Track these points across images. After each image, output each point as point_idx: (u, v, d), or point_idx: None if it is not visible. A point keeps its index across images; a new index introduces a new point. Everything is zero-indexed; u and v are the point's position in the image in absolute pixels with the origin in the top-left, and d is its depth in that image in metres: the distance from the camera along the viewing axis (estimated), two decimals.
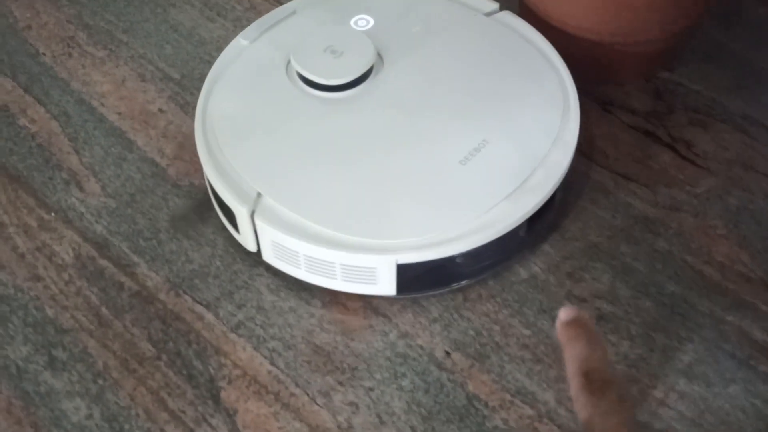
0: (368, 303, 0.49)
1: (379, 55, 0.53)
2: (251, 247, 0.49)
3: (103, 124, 0.58)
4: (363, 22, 0.55)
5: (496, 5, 0.57)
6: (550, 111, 0.51)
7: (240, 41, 0.56)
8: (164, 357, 0.47)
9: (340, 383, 0.46)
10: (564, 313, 0.35)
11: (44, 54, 0.63)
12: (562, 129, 0.50)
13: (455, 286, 0.49)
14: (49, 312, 0.49)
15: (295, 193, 0.47)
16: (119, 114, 0.59)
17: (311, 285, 0.49)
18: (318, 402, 0.45)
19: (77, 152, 0.56)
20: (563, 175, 0.49)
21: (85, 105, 0.59)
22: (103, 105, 0.59)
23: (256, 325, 0.48)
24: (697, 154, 0.56)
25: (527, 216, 0.47)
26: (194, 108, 0.58)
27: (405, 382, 0.46)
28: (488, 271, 0.49)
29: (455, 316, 0.48)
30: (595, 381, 0.33)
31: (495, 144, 0.49)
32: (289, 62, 0.53)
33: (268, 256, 0.49)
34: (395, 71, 0.53)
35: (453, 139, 0.49)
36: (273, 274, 0.50)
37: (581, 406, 0.33)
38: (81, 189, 0.54)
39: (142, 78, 0.61)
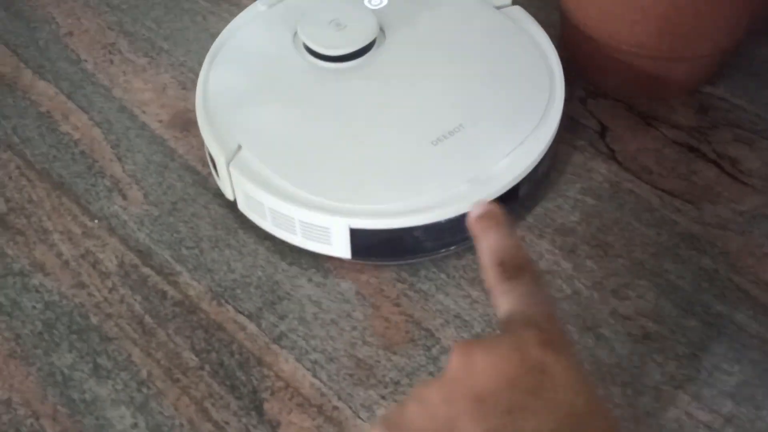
0: (410, 317, 0.49)
1: (383, 32, 0.56)
2: (229, 196, 0.53)
3: (145, 132, 0.58)
4: (377, 0, 0.58)
5: (509, 0, 0.59)
6: (533, 103, 0.53)
7: (258, 6, 0.60)
8: (207, 367, 0.47)
9: (383, 397, 0.46)
10: (475, 208, 0.34)
11: (86, 60, 0.63)
12: (540, 123, 0.52)
13: (412, 260, 0.51)
14: (94, 320, 0.49)
15: (270, 148, 0.51)
16: (160, 122, 0.59)
17: (353, 298, 0.49)
18: (361, 416, 0.45)
19: (120, 159, 0.57)
20: (528, 168, 0.50)
21: (126, 112, 0.60)
22: (144, 113, 0.60)
23: (298, 336, 0.48)
24: (741, 171, 0.55)
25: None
26: None
27: None
28: (448, 248, 0.51)
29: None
30: (510, 268, 0.32)
31: (470, 129, 0.51)
32: (295, 32, 0.56)
33: (242, 207, 0.52)
34: (393, 50, 0.56)
35: (430, 119, 0.52)
36: (315, 285, 0.50)
37: (500, 294, 0.31)
38: (124, 197, 0.55)
39: (182, 86, 0.61)
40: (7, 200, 0.55)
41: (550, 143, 0.52)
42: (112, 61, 0.63)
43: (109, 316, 0.49)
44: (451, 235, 0.50)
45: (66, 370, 0.47)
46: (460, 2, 0.60)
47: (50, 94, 0.61)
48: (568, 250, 0.52)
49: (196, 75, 0.62)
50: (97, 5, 0.67)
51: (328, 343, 0.48)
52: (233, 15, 0.66)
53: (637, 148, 0.57)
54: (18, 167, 0.57)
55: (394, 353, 0.47)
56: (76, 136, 0.58)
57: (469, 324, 0.48)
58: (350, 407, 0.45)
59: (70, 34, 0.65)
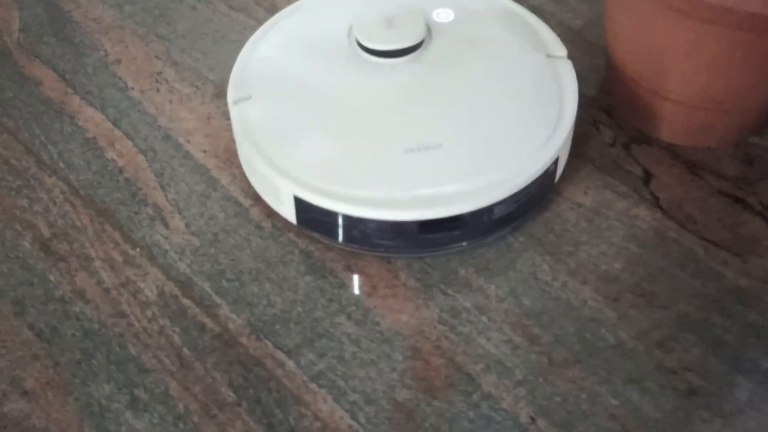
0: (450, 360, 0.48)
1: (430, 37, 0.58)
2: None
3: (188, 161, 0.59)
4: (444, 15, 0.59)
5: (564, 53, 0.58)
6: (537, 135, 0.53)
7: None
8: (244, 404, 0.46)
9: None
10: None
11: (133, 88, 0.64)
12: (533, 157, 0.52)
13: (348, 246, 0.53)
14: (132, 350, 0.49)
15: (271, 105, 0.55)
16: (204, 152, 0.59)
17: (392, 338, 0.49)
18: None
19: (163, 188, 0.57)
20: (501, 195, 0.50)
21: (171, 141, 0.60)
22: (188, 142, 0.60)
23: (337, 375, 0.48)
24: None
25: (417, 218, 0.50)
26: None
27: None
28: (380, 250, 0.52)
29: (540, 380, 0.47)
30: None
31: (449, 148, 0.52)
32: (350, 27, 0.58)
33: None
34: (430, 60, 0.56)
35: (415, 129, 0.53)
36: (354, 324, 0.50)
37: None
38: (166, 226, 0.55)
39: (226, 116, 0.62)
40: (51, 225, 0.55)
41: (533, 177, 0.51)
42: (158, 90, 0.64)
43: (147, 347, 0.49)
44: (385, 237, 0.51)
45: (104, 401, 0.47)
46: (514, 41, 0.59)
47: (97, 120, 0.62)
48: (612, 298, 0.51)
49: None
50: (145, 34, 0.68)
51: (367, 384, 0.47)
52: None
53: (682, 196, 0.56)
54: (63, 192, 0.57)
55: (434, 398, 0.47)
56: (121, 162, 0.59)
57: (511, 371, 0.48)
58: None
59: (118, 61, 0.66)
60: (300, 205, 0.51)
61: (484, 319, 0.50)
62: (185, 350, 0.49)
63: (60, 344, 0.49)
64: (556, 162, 0.53)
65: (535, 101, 0.55)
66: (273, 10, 0.70)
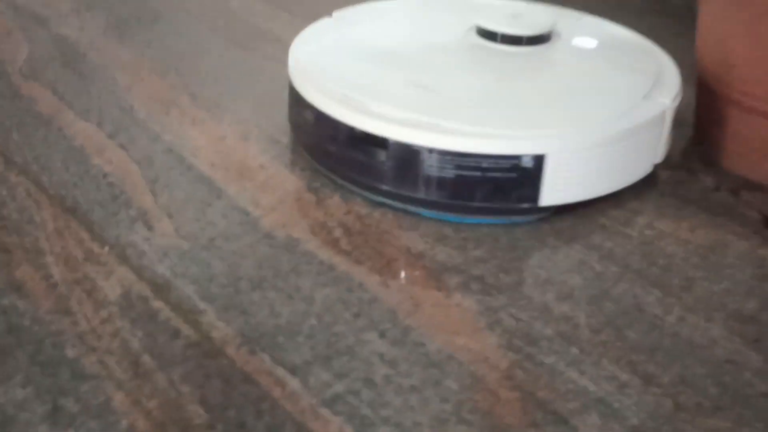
0: (530, 394, 0.33)
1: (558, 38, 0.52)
2: None
3: (191, 172, 0.47)
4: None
5: (666, 104, 0.46)
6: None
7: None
8: (219, 426, 0.31)
9: None
10: None
11: (139, 110, 0.55)
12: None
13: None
14: (69, 352, 0.34)
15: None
16: (212, 165, 0.48)
17: (444, 362, 0.34)
18: None
19: (153, 194, 0.45)
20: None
21: (173, 154, 0.49)
22: (194, 156, 0.49)
23: (361, 402, 0.32)
24: None
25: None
26: (298, 172, 0.48)
27: None
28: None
29: (666, 428, 0.31)
30: None
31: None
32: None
33: None
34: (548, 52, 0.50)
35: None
36: (389, 343, 0.35)
37: None
38: (149, 228, 0.42)
39: (244, 138, 0.51)
40: (2, 218, 0.43)
41: None
42: (168, 113, 0.54)
43: (92, 350, 0.34)
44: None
45: (10, 409, 0.31)
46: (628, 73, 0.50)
47: (89, 132, 0.52)
48: (751, 339, 0.36)
49: (261, 129, 0.53)
50: (165, 71, 0.60)
51: (406, 415, 0.31)
52: None
53: None
54: (27, 190, 0.45)
55: None
56: (108, 168, 0.48)
57: (620, 413, 0.32)
58: None
59: (129, 88, 0.57)
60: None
61: (573, 350, 0.35)
62: (145, 357, 0.34)
63: None
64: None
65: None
66: None
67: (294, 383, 0.33)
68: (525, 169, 0.42)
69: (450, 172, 0.42)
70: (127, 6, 0.74)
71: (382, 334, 0.36)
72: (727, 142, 0.49)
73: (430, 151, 0.41)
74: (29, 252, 0.40)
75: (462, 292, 0.38)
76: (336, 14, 0.56)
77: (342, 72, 0.48)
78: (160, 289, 0.38)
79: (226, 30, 0.69)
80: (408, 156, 0.42)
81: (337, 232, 0.43)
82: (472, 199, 0.43)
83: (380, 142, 0.42)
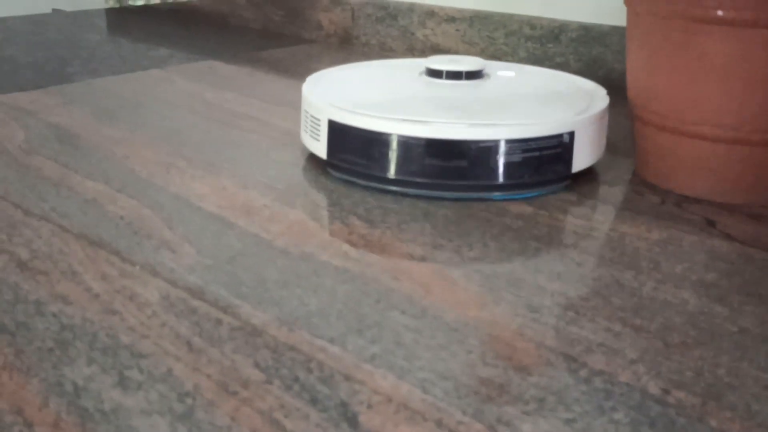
0: (540, 344, 0.37)
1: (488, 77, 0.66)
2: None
3: (201, 212, 0.52)
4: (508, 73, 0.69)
5: (571, 116, 0.57)
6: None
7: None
8: (276, 381, 0.34)
9: (526, 413, 0.32)
10: None
11: (141, 171, 0.59)
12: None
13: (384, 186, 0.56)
14: (124, 339, 0.37)
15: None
16: (219, 206, 0.53)
17: (462, 327, 0.39)
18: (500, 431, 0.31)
19: (170, 228, 0.49)
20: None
21: (181, 200, 0.54)
22: (201, 200, 0.54)
23: (396, 357, 0.36)
24: None
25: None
26: (299, 207, 0.54)
27: (618, 416, 0.32)
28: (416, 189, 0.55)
29: (660, 358, 0.36)
30: None
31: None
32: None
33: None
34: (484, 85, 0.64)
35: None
36: (411, 317, 0.39)
37: None
38: (173, 251, 0.46)
39: (243, 186, 0.56)
40: (32, 251, 0.46)
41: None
42: (168, 171, 0.59)
43: (145, 336, 0.37)
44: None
45: (80, 381, 0.34)
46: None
47: (98, 188, 0.56)
48: (716, 298, 0.42)
49: (258, 179, 0.58)
50: (157, 144, 0.65)
51: (438, 364, 0.36)
52: (296, 147, 0.65)
53: (755, 233, 0.50)
54: (51, 230, 0.49)
55: (530, 374, 0.35)
56: (122, 213, 0.52)
57: (620, 351, 0.37)
58: (482, 423, 0.32)
59: (126, 157, 0.62)
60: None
61: (570, 313, 0.40)
62: (195, 339, 0.37)
63: (27, 335, 0.37)
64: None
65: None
66: (289, 133, 0.70)
67: (334, 349, 0.37)
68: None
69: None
70: (109, 100, 0.80)
71: (403, 312, 0.40)
72: (663, 164, 0.58)
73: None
74: (66, 273, 0.43)
75: (465, 281, 0.44)
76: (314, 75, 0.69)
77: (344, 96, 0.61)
78: (195, 292, 0.42)
79: (206, 113, 0.75)
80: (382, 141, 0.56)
81: (345, 247, 0.47)
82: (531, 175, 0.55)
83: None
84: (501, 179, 0.54)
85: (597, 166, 0.63)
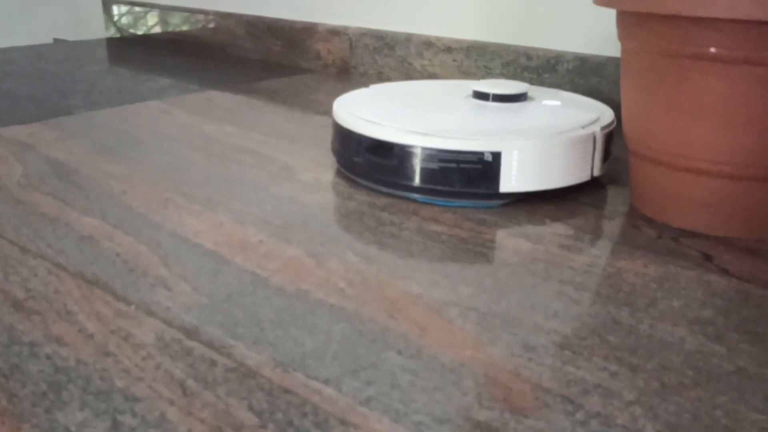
0: (537, 385, 0.37)
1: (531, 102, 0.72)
2: None
3: (197, 249, 0.52)
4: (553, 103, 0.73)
5: (596, 130, 0.57)
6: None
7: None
8: (271, 426, 0.34)
9: None
10: None
11: (138, 207, 0.59)
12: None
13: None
14: (118, 383, 0.37)
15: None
16: (215, 242, 0.53)
17: (458, 369, 0.38)
18: None
19: (167, 266, 0.49)
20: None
21: (178, 236, 0.54)
22: (197, 237, 0.54)
23: (392, 400, 0.36)
24: None
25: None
26: (296, 243, 0.54)
27: None
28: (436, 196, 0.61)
29: (658, 400, 0.36)
30: None
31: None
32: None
33: None
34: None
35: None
36: (407, 357, 0.39)
37: None
38: (168, 289, 0.46)
39: (240, 222, 0.57)
40: (28, 290, 0.46)
41: None
42: (166, 207, 0.59)
43: (139, 379, 0.37)
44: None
45: (73, 427, 0.33)
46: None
47: (95, 224, 0.56)
48: (713, 336, 0.42)
49: (255, 216, 0.58)
50: (155, 180, 0.65)
51: (435, 407, 0.35)
52: (293, 183, 0.65)
53: (752, 270, 0.50)
54: (47, 269, 0.49)
55: (526, 417, 0.35)
56: (119, 250, 0.52)
57: (617, 393, 0.37)
58: None
59: (124, 192, 0.62)
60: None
61: (567, 352, 0.40)
62: (189, 381, 0.37)
63: (21, 379, 0.37)
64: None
65: None
66: (287, 167, 0.70)
67: (329, 391, 0.36)
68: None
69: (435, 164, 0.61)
70: (108, 134, 0.80)
71: (399, 352, 0.40)
72: (659, 198, 0.58)
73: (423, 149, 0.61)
74: (60, 313, 0.43)
75: (462, 320, 0.43)
76: (372, 86, 0.78)
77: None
78: (191, 332, 0.41)
79: (205, 147, 0.76)
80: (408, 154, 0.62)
81: (342, 284, 0.47)
82: (452, 185, 0.60)
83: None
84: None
85: (594, 199, 0.63)
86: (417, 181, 0.61)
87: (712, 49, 0.50)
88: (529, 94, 0.74)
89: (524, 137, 0.60)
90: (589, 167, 0.63)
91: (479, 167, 0.59)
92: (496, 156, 0.59)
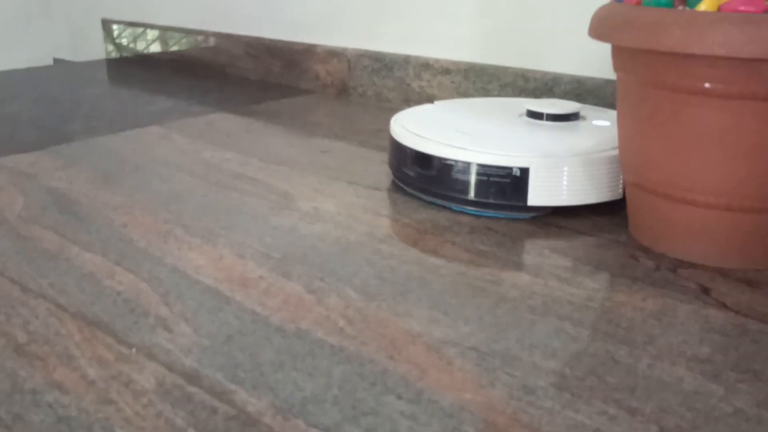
0: (536, 430, 0.37)
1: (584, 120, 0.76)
2: None
3: (198, 285, 0.52)
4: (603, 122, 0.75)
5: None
6: None
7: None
8: None
9: None
10: None
11: (139, 241, 0.60)
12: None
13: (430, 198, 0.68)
14: None
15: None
16: (216, 278, 0.53)
17: (458, 413, 0.39)
18: None
19: (167, 305, 0.50)
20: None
21: (178, 272, 0.54)
22: (198, 273, 0.54)
23: None
24: None
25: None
26: (295, 278, 0.54)
27: None
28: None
29: None
30: None
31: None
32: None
33: None
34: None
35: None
36: (406, 402, 0.39)
37: None
38: (169, 331, 0.46)
39: (240, 256, 0.57)
40: (29, 333, 0.46)
41: None
42: (166, 240, 0.60)
43: (140, 428, 0.37)
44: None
45: None
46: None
47: (96, 261, 0.56)
48: (711, 375, 0.42)
49: (255, 249, 0.58)
50: (155, 210, 0.66)
51: None
52: (292, 212, 0.65)
53: (750, 302, 0.51)
54: (48, 309, 0.49)
55: None
56: (120, 288, 0.52)
57: None
58: None
59: (125, 225, 0.63)
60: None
61: (566, 395, 0.40)
62: (190, 431, 0.37)
63: (23, 429, 0.37)
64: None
65: None
66: (287, 196, 0.70)
67: None
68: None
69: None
70: (108, 162, 0.80)
71: (398, 396, 0.40)
72: (657, 228, 0.58)
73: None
74: (62, 358, 0.43)
75: (461, 359, 0.44)
76: (437, 102, 0.83)
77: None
78: (191, 377, 0.42)
79: (205, 175, 0.76)
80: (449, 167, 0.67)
81: (341, 323, 0.48)
82: (487, 197, 0.65)
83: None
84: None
85: (591, 228, 0.63)
86: (456, 191, 0.66)
87: (707, 84, 0.51)
88: (582, 113, 0.78)
89: (546, 155, 0.64)
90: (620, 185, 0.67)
91: (508, 181, 0.64)
92: (524, 171, 0.64)
